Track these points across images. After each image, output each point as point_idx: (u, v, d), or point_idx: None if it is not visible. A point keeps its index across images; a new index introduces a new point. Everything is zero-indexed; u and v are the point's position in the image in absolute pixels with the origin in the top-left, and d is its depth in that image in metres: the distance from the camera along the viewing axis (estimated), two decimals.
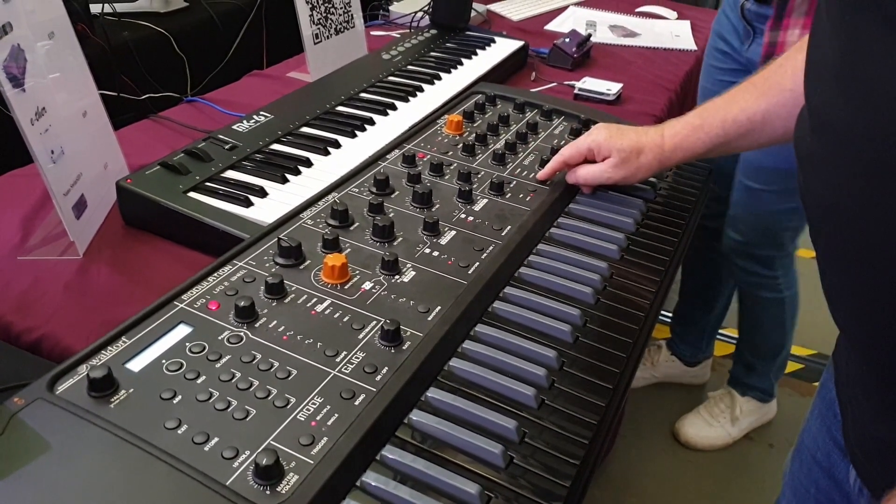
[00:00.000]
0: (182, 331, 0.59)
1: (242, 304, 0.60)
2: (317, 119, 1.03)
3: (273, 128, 0.98)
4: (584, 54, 1.46)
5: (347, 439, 0.51)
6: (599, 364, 0.65)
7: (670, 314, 1.81)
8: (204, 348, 0.57)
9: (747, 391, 1.67)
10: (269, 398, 0.53)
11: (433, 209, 0.79)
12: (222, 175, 0.87)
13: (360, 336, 0.60)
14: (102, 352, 0.55)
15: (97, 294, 0.74)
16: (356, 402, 0.54)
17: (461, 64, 1.29)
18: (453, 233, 0.75)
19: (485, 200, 0.82)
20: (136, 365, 0.55)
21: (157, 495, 0.46)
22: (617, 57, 1.53)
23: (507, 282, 0.72)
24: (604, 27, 1.71)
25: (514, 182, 0.86)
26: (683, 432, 1.67)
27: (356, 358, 0.58)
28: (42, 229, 0.84)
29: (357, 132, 1.01)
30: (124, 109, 1.29)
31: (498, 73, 1.30)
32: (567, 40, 1.44)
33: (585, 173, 0.85)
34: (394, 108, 1.09)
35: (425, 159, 0.89)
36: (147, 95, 1.37)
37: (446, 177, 0.86)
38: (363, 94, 1.13)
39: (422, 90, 1.16)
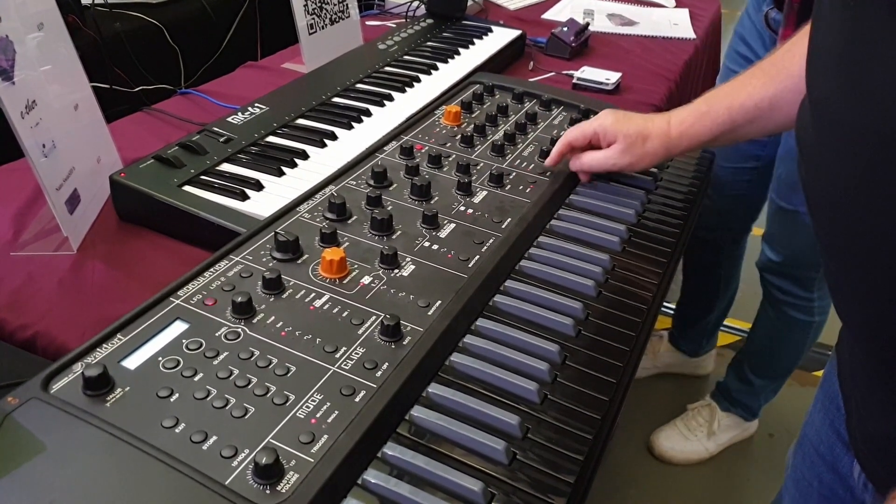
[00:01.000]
0: (178, 327, 0.58)
1: (239, 299, 0.59)
2: (313, 111, 1.02)
3: (268, 120, 0.97)
4: (582, 43, 1.44)
5: (348, 437, 0.50)
6: (602, 358, 0.64)
7: (672, 305, 1.79)
8: (201, 345, 0.56)
9: (731, 407, 1.60)
10: (268, 395, 0.52)
11: (432, 202, 0.78)
12: (217, 168, 0.86)
13: (360, 331, 0.59)
14: (97, 349, 0.54)
15: (92, 290, 0.73)
16: (356, 399, 0.53)
17: (458, 54, 1.27)
18: (453, 226, 0.74)
19: (484, 192, 0.81)
20: (132, 363, 0.54)
21: (154, 496, 0.45)
22: (615, 46, 1.52)
23: (508, 275, 0.71)
24: (601, 16, 1.69)
25: (514, 173, 0.85)
26: (658, 445, 1.60)
27: (356, 354, 0.57)
28: (35, 225, 0.82)
29: (354, 123, 0.99)
30: (117, 102, 1.28)
31: (495, 63, 1.28)
32: (565, 29, 1.43)
33: (590, 160, 0.84)
34: (391, 98, 1.08)
35: (423, 151, 0.87)
36: (140, 88, 1.35)
37: (445, 168, 0.84)
38: (359, 85, 1.11)
39: (419, 80, 1.15)
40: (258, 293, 0.62)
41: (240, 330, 0.58)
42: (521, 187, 0.83)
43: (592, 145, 0.84)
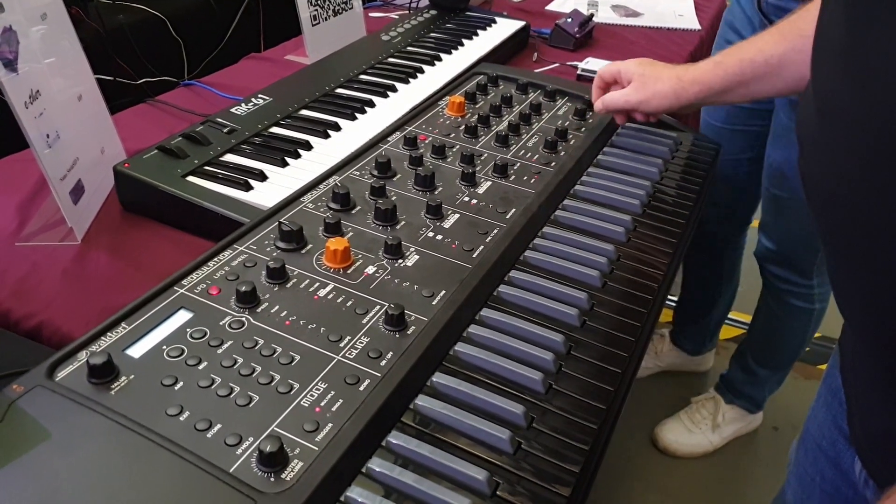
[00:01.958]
0: (182, 316, 0.58)
1: (244, 289, 0.59)
2: (316, 102, 1.02)
3: (272, 111, 0.97)
4: (586, 34, 1.43)
5: (352, 425, 0.50)
6: (607, 348, 0.64)
7: (675, 299, 1.79)
8: (205, 334, 0.56)
9: (735, 399, 1.60)
10: (273, 384, 0.52)
11: (436, 192, 0.78)
12: (221, 159, 0.86)
13: (364, 321, 0.59)
14: (102, 338, 0.55)
15: (96, 280, 0.73)
16: (361, 388, 0.53)
17: (461, 45, 1.27)
18: (457, 216, 0.74)
19: (488, 183, 0.81)
20: (136, 351, 0.54)
21: (159, 483, 0.45)
22: (619, 37, 1.51)
23: (513, 265, 0.71)
24: (605, 7, 1.68)
25: (518, 164, 0.85)
26: (662, 438, 1.60)
27: (360, 343, 0.57)
28: (39, 215, 0.82)
29: (357, 114, 0.99)
30: (120, 94, 1.28)
31: (499, 54, 1.28)
32: (569, 20, 1.42)
33: (609, 97, 0.90)
34: (394, 89, 1.07)
35: (427, 141, 0.87)
36: (143, 80, 1.35)
37: (449, 159, 0.84)
38: (363, 76, 1.11)
39: (422, 71, 1.14)
40: (262, 283, 0.62)
41: (244, 319, 0.58)
42: (525, 178, 0.82)
43: (617, 83, 0.91)
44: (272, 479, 0.46)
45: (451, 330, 0.61)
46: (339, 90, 1.06)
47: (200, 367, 0.53)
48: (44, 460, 0.45)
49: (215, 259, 0.64)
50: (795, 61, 0.75)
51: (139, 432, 0.47)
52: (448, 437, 0.53)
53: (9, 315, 0.69)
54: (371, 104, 1.02)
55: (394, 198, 0.75)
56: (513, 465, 0.52)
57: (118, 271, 0.75)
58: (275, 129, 0.94)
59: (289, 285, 0.62)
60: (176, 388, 0.51)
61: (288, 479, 0.46)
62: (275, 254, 0.66)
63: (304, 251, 0.66)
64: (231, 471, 0.46)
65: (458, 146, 0.87)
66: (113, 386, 0.51)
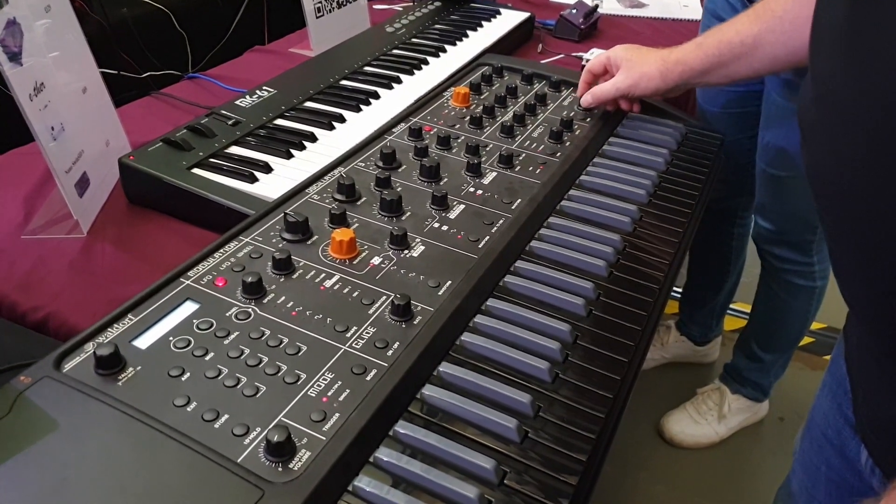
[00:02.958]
0: (189, 307, 0.58)
1: (250, 279, 0.59)
2: (320, 93, 1.01)
3: (276, 103, 0.97)
4: (591, 25, 1.43)
5: (360, 415, 0.50)
6: (614, 338, 0.64)
7: (680, 290, 1.78)
8: (212, 325, 0.56)
9: (741, 388, 1.59)
10: (279, 374, 0.52)
11: (441, 183, 0.77)
12: (226, 151, 0.86)
13: (371, 311, 0.59)
14: (109, 329, 0.55)
15: (102, 272, 0.73)
16: (368, 378, 0.53)
17: (466, 36, 1.26)
18: (462, 207, 0.74)
19: (494, 173, 0.80)
20: (143, 342, 0.54)
21: (167, 473, 0.45)
22: (624, 28, 1.50)
23: (519, 256, 0.70)
24: None
25: (524, 154, 0.85)
26: (668, 429, 1.60)
27: (367, 333, 0.57)
28: (45, 208, 0.83)
29: (362, 106, 0.99)
30: (125, 87, 1.28)
31: (504, 45, 1.27)
32: (574, 11, 1.41)
33: (598, 88, 0.93)
34: (399, 81, 1.07)
35: (432, 132, 0.87)
36: (148, 73, 1.35)
37: (454, 150, 0.84)
38: (367, 68, 1.11)
39: (427, 63, 1.14)
40: (268, 273, 0.62)
41: (250, 310, 0.58)
42: (530, 168, 0.82)
43: (606, 73, 0.94)
44: (280, 469, 0.46)
45: (457, 320, 0.61)
46: (344, 82, 1.05)
47: (207, 357, 0.53)
48: (52, 451, 0.45)
49: (221, 250, 0.64)
50: (769, 41, 0.79)
51: (147, 423, 0.47)
52: (455, 426, 0.53)
53: (15, 308, 0.69)
54: (376, 96, 1.02)
55: (399, 189, 0.75)
56: (520, 454, 0.52)
57: (124, 263, 0.75)
58: (280, 122, 0.94)
59: (295, 276, 0.62)
60: (183, 378, 0.51)
61: (296, 468, 0.46)
62: (280, 245, 0.66)
63: (309, 242, 0.66)
64: (239, 461, 0.46)
65: (463, 137, 0.87)
66: (120, 377, 0.51)
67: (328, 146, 0.89)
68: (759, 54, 0.81)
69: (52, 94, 0.76)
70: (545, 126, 0.91)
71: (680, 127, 0.99)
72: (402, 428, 0.51)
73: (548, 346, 0.60)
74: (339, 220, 0.69)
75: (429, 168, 0.77)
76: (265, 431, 0.48)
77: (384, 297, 0.61)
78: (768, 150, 1.25)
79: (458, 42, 1.23)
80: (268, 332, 0.56)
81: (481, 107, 0.92)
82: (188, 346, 0.54)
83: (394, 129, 0.87)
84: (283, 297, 0.60)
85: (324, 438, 0.48)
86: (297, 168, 0.84)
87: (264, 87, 1.00)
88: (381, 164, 0.79)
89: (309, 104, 0.99)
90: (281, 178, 0.82)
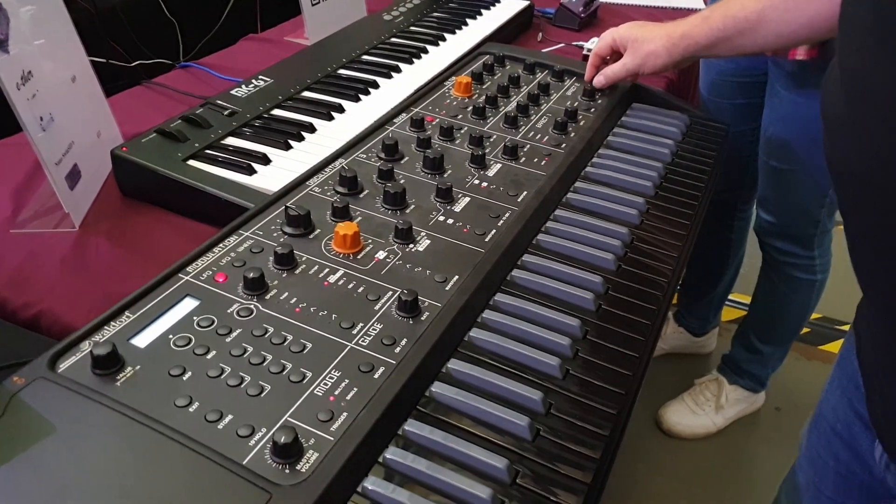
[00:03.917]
0: (189, 304, 0.56)
1: (251, 275, 0.57)
2: (318, 83, 0.99)
3: (273, 92, 0.94)
4: (591, 14, 1.41)
5: (368, 414, 0.48)
6: (623, 332, 0.62)
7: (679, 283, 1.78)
8: (213, 322, 0.54)
9: (738, 379, 1.60)
10: (284, 373, 0.51)
11: (445, 175, 0.76)
12: (222, 142, 0.83)
13: (377, 307, 0.57)
14: (105, 327, 0.53)
15: (96, 268, 0.71)
16: (375, 376, 0.51)
17: (465, 24, 1.24)
18: (467, 199, 0.72)
19: (498, 165, 0.79)
20: (141, 341, 0.52)
21: (170, 477, 0.43)
22: (624, 17, 1.48)
23: (526, 249, 0.69)
24: None
25: (528, 146, 0.83)
26: (666, 420, 1.61)
27: (373, 330, 0.55)
28: (35, 201, 0.80)
29: (361, 96, 0.97)
30: (114, 77, 1.24)
31: (503, 34, 1.25)
32: (573, 0, 1.39)
33: (609, 71, 0.94)
34: (398, 70, 1.05)
35: (434, 123, 0.85)
36: (138, 62, 1.32)
37: (457, 141, 0.82)
38: (365, 57, 1.08)
39: (426, 51, 1.12)
40: (270, 269, 0.60)
41: (252, 306, 0.56)
42: (536, 160, 0.80)
43: (614, 53, 0.94)
44: (287, 471, 0.44)
45: (465, 315, 0.59)
46: (342, 71, 1.03)
47: (209, 356, 0.51)
48: (48, 456, 0.43)
49: (221, 245, 0.62)
50: (773, 18, 0.80)
51: (147, 425, 0.45)
52: (465, 424, 0.52)
53: (6, 305, 0.67)
54: (375, 85, 1.00)
55: (402, 181, 0.73)
56: (532, 453, 0.50)
57: (119, 258, 0.73)
58: (277, 112, 0.91)
59: (297, 271, 0.60)
60: (184, 378, 0.49)
61: (303, 470, 0.44)
62: (282, 239, 0.64)
63: (312, 236, 0.64)
64: (244, 463, 0.44)
65: (466, 128, 0.85)
66: (118, 377, 0.49)
67: (328, 137, 0.87)
68: (762, 30, 0.82)
69: (40, 83, 0.73)
70: (549, 116, 0.89)
71: (684, 117, 0.97)
72: (411, 427, 0.50)
73: (558, 342, 0.58)
74: (342, 213, 0.67)
75: (432, 160, 0.75)
76: (271, 432, 0.46)
77: (390, 293, 0.59)
78: (771, 142, 1.24)
79: (457, 30, 1.21)
80: (271, 330, 0.54)
81: (484, 97, 0.91)
82: (189, 344, 0.52)
83: (395, 120, 0.85)
84: (286, 293, 0.58)
85: (332, 439, 0.46)
86: (296, 160, 0.82)
87: (260, 77, 0.97)
88: (383, 155, 0.77)
89: (307, 94, 0.96)
90: (280, 169, 0.80)
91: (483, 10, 1.31)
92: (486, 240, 0.67)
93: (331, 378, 0.51)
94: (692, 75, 1.40)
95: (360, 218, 0.67)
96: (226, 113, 0.88)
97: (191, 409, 0.47)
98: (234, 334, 0.53)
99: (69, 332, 0.52)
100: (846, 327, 1.79)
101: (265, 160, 0.81)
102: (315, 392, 0.50)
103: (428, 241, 0.66)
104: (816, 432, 0.77)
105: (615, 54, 0.94)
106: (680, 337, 1.77)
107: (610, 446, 0.53)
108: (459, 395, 0.53)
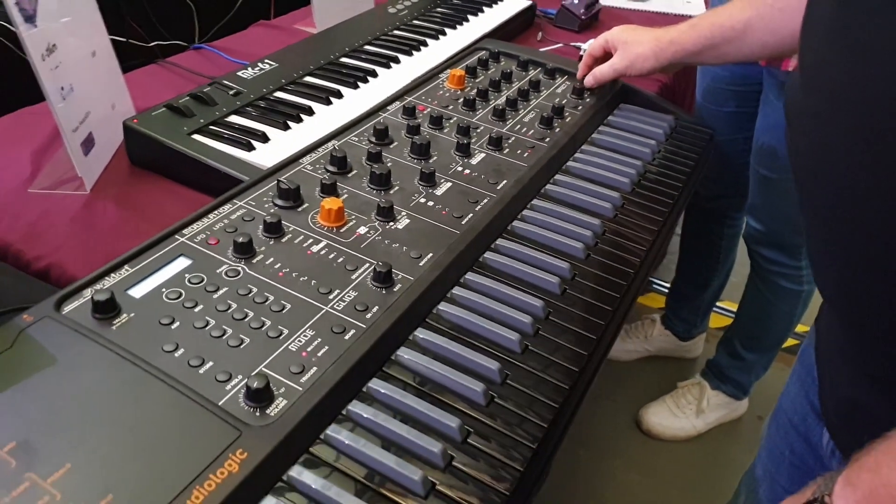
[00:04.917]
0: (182, 263, 0.61)
1: (241, 240, 0.62)
2: (320, 69, 1.04)
3: (277, 76, 0.99)
4: (592, 16, 1.45)
5: (335, 370, 0.53)
6: (586, 316, 0.67)
7: (667, 285, 1.81)
8: (202, 280, 0.59)
9: (721, 385, 1.62)
10: (263, 329, 0.56)
11: (430, 161, 0.81)
12: (226, 119, 0.89)
13: (354, 276, 0.63)
14: (106, 278, 0.58)
15: (103, 228, 0.77)
16: (346, 337, 0.56)
17: (467, 20, 1.28)
18: (449, 184, 0.77)
19: (482, 154, 0.83)
20: (137, 292, 0.57)
21: (153, 410, 0.48)
22: (625, 20, 1.51)
23: (500, 234, 0.74)
24: None
25: (513, 138, 0.88)
26: (646, 420, 1.64)
27: (348, 296, 0.60)
28: (51, 165, 0.86)
29: (360, 83, 1.02)
30: (133, 56, 1.30)
31: (504, 32, 1.29)
32: (575, 2, 1.43)
33: (598, 71, 0.98)
34: (397, 61, 1.10)
35: (425, 112, 0.90)
36: (155, 42, 1.37)
37: (445, 130, 0.87)
38: (367, 47, 1.13)
39: (426, 45, 1.17)
40: (259, 236, 0.65)
41: (240, 268, 0.61)
42: (519, 151, 0.85)
43: (606, 54, 0.98)
44: (258, 414, 0.49)
45: (435, 290, 0.64)
46: (344, 59, 1.08)
47: (196, 309, 0.57)
48: (49, 384, 0.49)
49: (216, 212, 0.67)
50: (759, 28, 0.83)
51: (137, 364, 0.51)
52: (426, 387, 0.57)
53: (20, 256, 0.72)
54: (374, 74, 1.05)
55: (389, 164, 0.78)
56: (486, 417, 0.55)
57: (124, 221, 0.78)
58: (279, 94, 0.97)
59: (284, 240, 0.65)
60: (173, 327, 0.55)
61: (272, 414, 0.49)
62: (272, 210, 0.69)
63: (300, 209, 0.70)
64: (220, 404, 0.49)
65: (455, 118, 0.90)
66: (115, 322, 0.54)
67: (324, 120, 0.92)
68: (748, 39, 0.84)
69: (63, 55, 0.79)
70: (536, 112, 0.94)
71: (670, 119, 1.02)
72: (374, 385, 0.55)
73: (520, 320, 0.63)
74: (330, 189, 0.72)
75: (419, 146, 0.80)
76: (246, 379, 0.51)
77: (367, 265, 0.64)
78: (763, 151, 1.27)
79: (458, 26, 1.26)
80: (255, 290, 0.59)
81: (475, 90, 0.95)
82: (179, 297, 0.57)
83: (388, 107, 0.90)
84: (271, 259, 0.63)
85: (301, 389, 0.52)
86: (293, 139, 0.87)
87: (266, 60, 1.02)
88: (373, 139, 0.82)
89: (308, 79, 1.01)
90: (277, 148, 0.85)
91: (485, 8, 1.35)
92: (463, 222, 0.72)
93: (305, 336, 0.56)
94: (689, 81, 1.44)
95: (346, 195, 0.72)
96: (231, 92, 0.93)
97: (176, 354, 0.53)
98: (221, 292, 0.59)
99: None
100: None
101: (264, 138, 0.86)
102: (289, 347, 0.55)
103: (407, 221, 0.71)
104: (775, 425, 0.81)
105: (607, 55, 0.99)
106: (666, 339, 1.80)
107: (560, 420, 0.58)
108: (423, 360, 0.58)
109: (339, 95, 0.98)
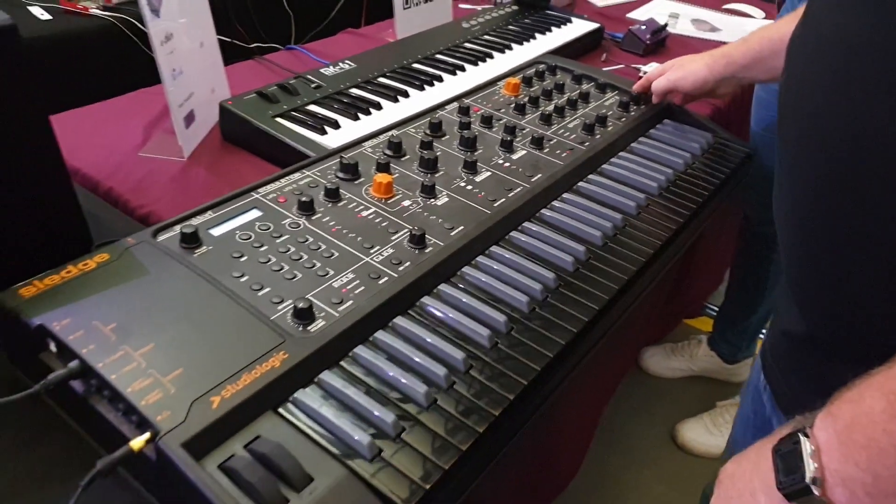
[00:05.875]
0: (254, 213, 0.74)
1: (304, 199, 0.74)
2: (393, 72, 1.17)
3: (354, 75, 1.13)
4: (657, 42, 1.52)
5: (368, 304, 0.64)
6: (592, 291, 0.75)
7: (716, 307, 1.83)
8: (269, 227, 0.72)
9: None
10: (313, 269, 0.68)
11: (475, 153, 0.91)
12: (306, 107, 1.03)
13: (393, 238, 0.74)
14: (193, 218, 0.71)
15: (194, 188, 0.91)
16: (380, 282, 0.67)
17: (534, 38, 1.39)
18: (488, 173, 0.87)
19: (523, 152, 0.93)
20: (216, 231, 0.70)
21: (219, 317, 0.60)
22: (692, 49, 1.58)
23: (528, 218, 0.83)
24: (686, 20, 1.76)
25: (555, 140, 0.97)
26: (682, 435, 1.68)
27: (386, 252, 0.71)
28: (158, 135, 1.02)
29: (426, 86, 1.14)
30: (236, 54, 1.48)
31: (569, 51, 1.39)
32: (642, 27, 1.51)
33: (655, 83, 1.08)
34: (462, 69, 1.21)
35: (478, 112, 1.01)
36: (255, 44, 1.55)
37: (494, 129, 0.97)
38: (438, 56, 1.26)
39: (492, 57, 1.28)
40: (320, 199, 0.77)
41: (300, 222, 0.74)
42: (558, 151, 0.94)
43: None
44: (300, 329, 0.61)
45: (462, 256, 0.74)
46: (416, 65, 1.21)
47: (261, 249, 0.69)
48: (142, 288, 0.62)
49: (287, 177, 0.80)
50: None
51: (211, 282, 0.63)
52: (442, 329, 0.66)
53: (127, 204, 0.88)
54: (440, 79, 1.17)
55: (438, 153, 0.89)
56: (488, 357, 0.64)
57: (211, 184, 0.93)
58: (354, 90, 1.10)
59: (339, 204, 0.77)
60: (241, 260, 0.67)
61: (312, 331, 0.61)
62: (333, 180, 0.81)
63: (356, 182, 0.82)
64: (272, 318, 0.61)
65: (504, 119, 1.00)
66: (196, 251, 0.67)
67: (390, 115, 1.04)
68: None
69: (177, 44, 0.95)
70: (581, 119, 1.03)
71: (709, 136, 1.08)
72: (399, 321, 0.66)
73: (532, 287, 0.72)
74: (384, 168, 0.83)
75: (467, 139, 0.91)
76: (295, 302, 0.63)
77: (406, 230, 0.75)
78: None
79: (525, 42, 1.36)
80: (310, 239, 0.71)
81: (528, 97, 1.05)
82: (249, 239, 0.70)
83: (446, 107, 1.01)
84: (327, 217, 0.75)
85: (338, 315, 0.63)
86: (359, 128, 0.99)
87: (346, 61, 1.16)
88: (428, 131, 0.93)
89: (381, 79, 1.14)
90: (345, 134, 0.98)
91: (553, 28, 1.45)
92: (495, 205, 0.82)
93: (346, 277, 0.67)
94: (743, 111, 1.49)
95: (397, 175, 0.84)
96: (313, 86, 1.07)
97: (241, 280, 0.65)
98: (283, 238, 0.71)
99: None
100: None
101: (336, 125, 0.99)
102: (332, 284, 0.66)
103: (446, 199, 0.81)
104: (747, 391, 0.85)
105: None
106: (711, 361, 1.82)
107: (554, 371, 0.66)
108: (442, 307, 0.68)
109: (405, 95, 1.10)
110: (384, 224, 0.76)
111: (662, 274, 0.85)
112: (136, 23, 1.51)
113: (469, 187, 0.84)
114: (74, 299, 0.60)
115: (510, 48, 1.33)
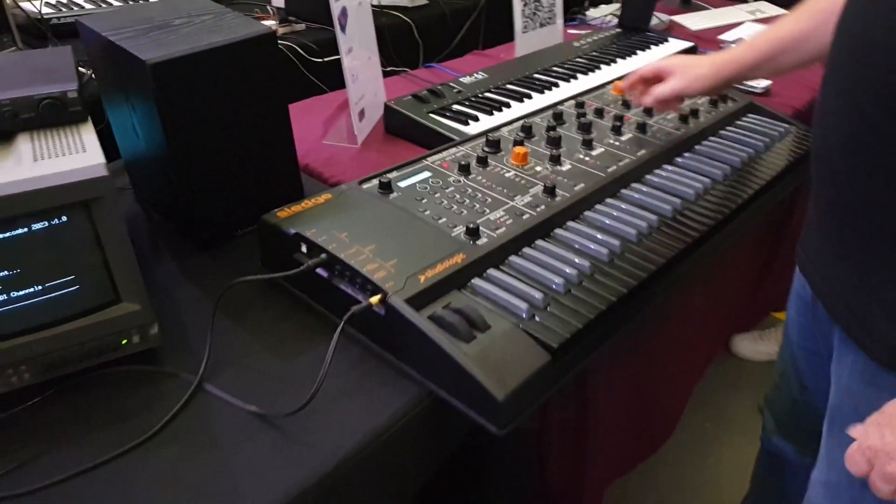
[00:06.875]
0: (425, 174, 0.99)
1: (463, 163, 0.99)
2: (518, 80, 1.42)
3: (487, 83, 1.39)
4: None
5: (517, 229, 0.87)
6: (685, 230, 0.95)
7: None
8: (439, 182, 0.97)
9: None
10: (475, 208, 0.92)
11: (590, 135, 1.14)
12: (451, 106, 1.29)
13: (531, 190, 0.97)
14: (384, 176, 0.98)
15: (368, 166, 1.19)
16: (523, 218, 0.91)
17: (635, 54, 1.61)
18: (602, 149, 1.10)
19: (630, 135, 1.15)
20: (402, 183, 0.96)
21: (410, 230, 0.85)
22: None
23: (635, 180, 1.04)
24: None
25: (656, 127, 1.18)
26: (735, 346, 1.93)
27: (527, 199, 0.95)
28: (336, 128, 1.31)
29: (545, 90, 1.38)
30: None
31: None
32: (733, 45, 1.70)
33: (657, 91, 1.04)
34: (575, 77, 1.45)
35: (592, 107, 1.23)
36: (390, 68, 1.85)
37: (605, 119, 1.20)
38: (554, 68, 1.50)
39: (599, 68, 1.51)
40: (473, 165, 1.02)
41: (461, 179, 0.98)
42: (658, 135, 1.15)
43: (657, 80, 1.05)
44: (471, 243, 0.84)
45: (581, 205, 0.96)
46: (536, 75, 1.45)
47: (436, 196, 0.94)
48: (357, 214, 0.88)
49: (447, 151, 1.06)
50: (814, 35, 0.91)
51: (405, 213, 0.89)
52: (571, 248, 0.88)
53: (321, 174, 1.16)
54: (556, 85, 1.41)
55: (561, 134, 1.12)
56: (608, 267, 0.86)
57: (381, 162, 1.20)
58: (488, 94, 1.35)
59: (488, 168, 1.02)
60: (423, 202, 0.92)
61: (479, 244, 0.84)
62: (482, 152, 1.06)
63: (499, 154, 1.06)
64: (451, 235, 0.85)
65: (614, 112, 1.22)
66: (390, 196, 0.93)
67: (517, 111, 1.29)
68: (804, 47, 0.93)
69: (355, 55, 1.23)
70: (677, 112, 1.24)
71: (788, 126, 1.26)
72: (540, 242, 0.88)
73: (639, 224, 0.93)
74: (520, 143, 1.07)
75: (584, 124, 1.14)
76: (466, 225, 0.87)
77: (539, 185, 0.98)
78: None
79: (628, 57, 1.59)
80: (470, 190, 0.96)
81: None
82: (426, 189, 0.95)
83: (566, 103, 1.25)
84: (480, 177, 0.99)
85: (496, 236, 0.86)
86: (494, 121, 1.24)
87: (480, 72, 1.42)
88: (552, 121, 1.17)
89: (509, 86, 1.40)
90: (483, 125, 1.23)
91: (652, 46, 1.67)
92: (609, 170, 1.04)
93: (499, 213, 0.91)
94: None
95: (530, 149, 1.08)
96: (455, 91, 1.33)
97: (426, 213, 0.90)
98: (450, 189, 0.96)
99: None
100: None
101: (476, 119, 1.24)
102: (489, 217, 0.90)
103: (569, 166, 1.04)
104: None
105: (656, 80, 1.05)
106: None
107: (627, 299, 0.87)
108: (571, 236, 0.90)
109: (529, 97, 1.35)
110: (523, 182, 0.99)
111: (745, 227, 1.04)
112: (298, 49, 1.84)
113: (587, 158, 1.06)
114: (315, 219, 0.86)
115: (615, 62, 1.55)
